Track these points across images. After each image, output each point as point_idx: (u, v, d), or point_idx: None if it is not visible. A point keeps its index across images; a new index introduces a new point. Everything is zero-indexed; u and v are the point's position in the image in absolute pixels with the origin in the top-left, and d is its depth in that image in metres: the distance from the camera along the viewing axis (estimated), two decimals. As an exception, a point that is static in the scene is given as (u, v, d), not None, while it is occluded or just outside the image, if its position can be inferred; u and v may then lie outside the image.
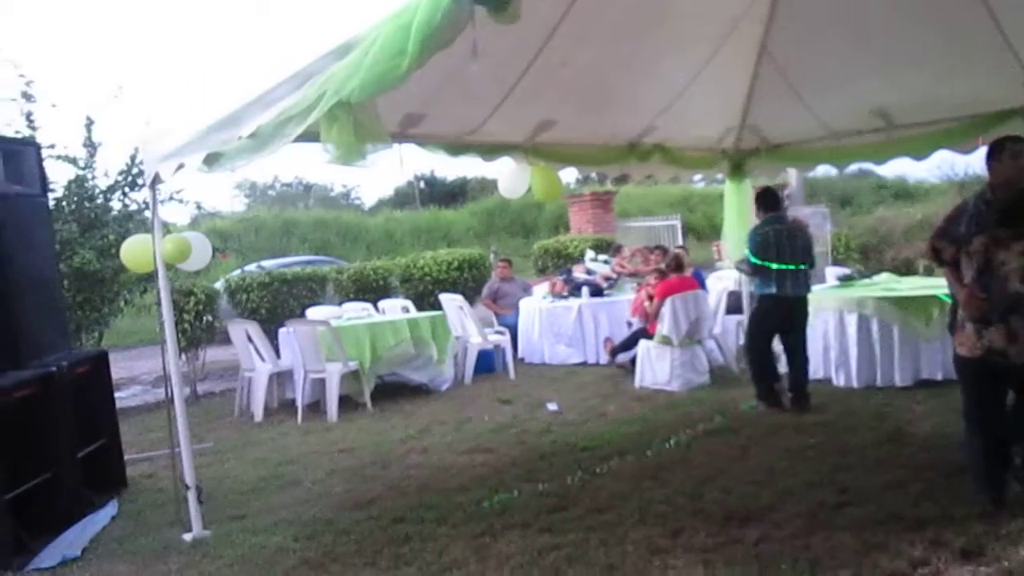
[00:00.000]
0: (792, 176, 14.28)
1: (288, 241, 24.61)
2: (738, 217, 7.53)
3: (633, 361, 8.31)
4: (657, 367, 7.86)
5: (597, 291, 10.11)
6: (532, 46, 4.86)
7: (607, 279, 10.59)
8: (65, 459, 5.05)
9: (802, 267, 6.57)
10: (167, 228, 6.00)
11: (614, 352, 9.23)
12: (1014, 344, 3.87)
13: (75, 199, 9.03)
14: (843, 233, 15.76)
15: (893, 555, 3.63)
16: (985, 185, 4.33)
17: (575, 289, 10.16)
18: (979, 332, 3.98)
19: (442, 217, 29.46)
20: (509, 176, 6.13)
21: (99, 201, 9.20)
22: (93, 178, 9.20)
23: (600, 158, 6.65)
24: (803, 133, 6.95)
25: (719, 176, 8.08)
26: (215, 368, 11.07)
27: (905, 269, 13.60)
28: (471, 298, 11.12)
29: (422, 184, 36.13)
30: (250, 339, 8.18)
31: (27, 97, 8.60)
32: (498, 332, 9.63)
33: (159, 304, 4.89)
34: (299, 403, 7.83)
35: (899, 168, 35.95)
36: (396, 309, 9.98)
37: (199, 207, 10.62)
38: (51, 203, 7.38)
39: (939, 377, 6.93)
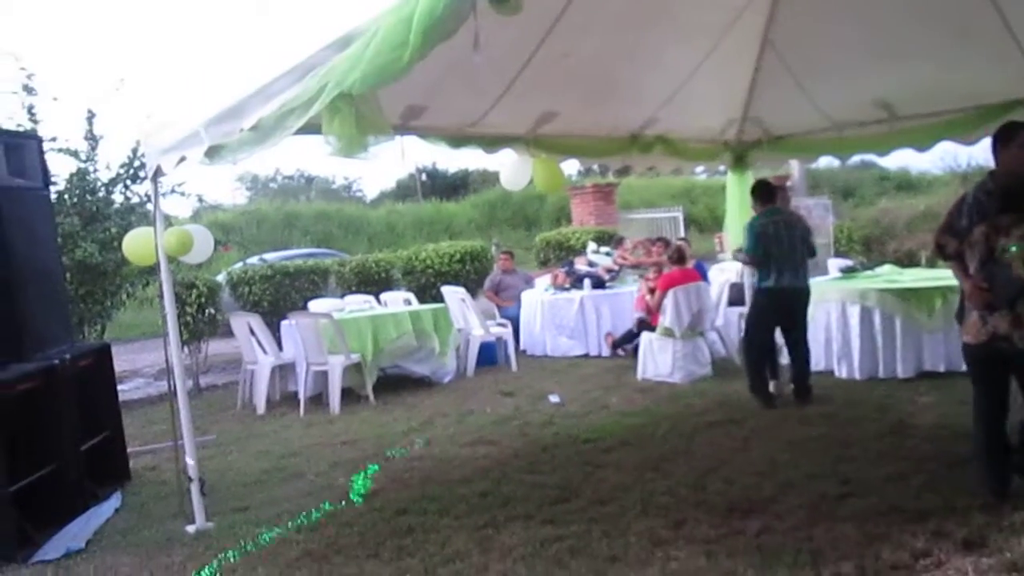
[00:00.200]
0: (794, 168, 14.27)
1: (290, 234, 24.60)
2: (740, 209, 7.51)
3: (636, 350, 8.32)
4: (659, 359, 7.87)
5: (599, 283, 10.11)
6: (534, 37, 4.85)
7: (609, 271, 10.58)
8: (68, 452, 5.06)
9: (800, 258, 6.55)
10: (169, 221, 6.00)
11: (615, 345, 9.27)
12: (1018, 329, 3.87)
13: (77, 192, 9.02)
14: (845, 225, 15.76)
15: (895, 546, 3.63)
16: (986, 175, 4.33)
17: (577, 281, 10.15)
18: (983, 318, 3.98)
19: (444, 209, 29.44)
20: (511, 168, 6.13)
21: (101, 194, 9.18)
22: (95, 171, 9.19)
23: (602, 150, 6.64)
24: (805, 124, 6.93)
25: (721, 168, 8.07)
26: (217, 361, 11.08)
27: (907, 261, 13.60)
28: (473, 290, 11.11)
29: (424, 176, 36.09)
30: (252, 332, 8.19)
31: (28, 90, 8.59)
32: (500, 324, 9.63)
33: (161, 297, 4.90)
34: (301, 396, 7.83)
35: (902, 159, 36.07)
36: (398, 301, 9.98)
37: (201, 200, 10.70)
38: (53, 196, 7.37)
39: (941, 369, 6.94)
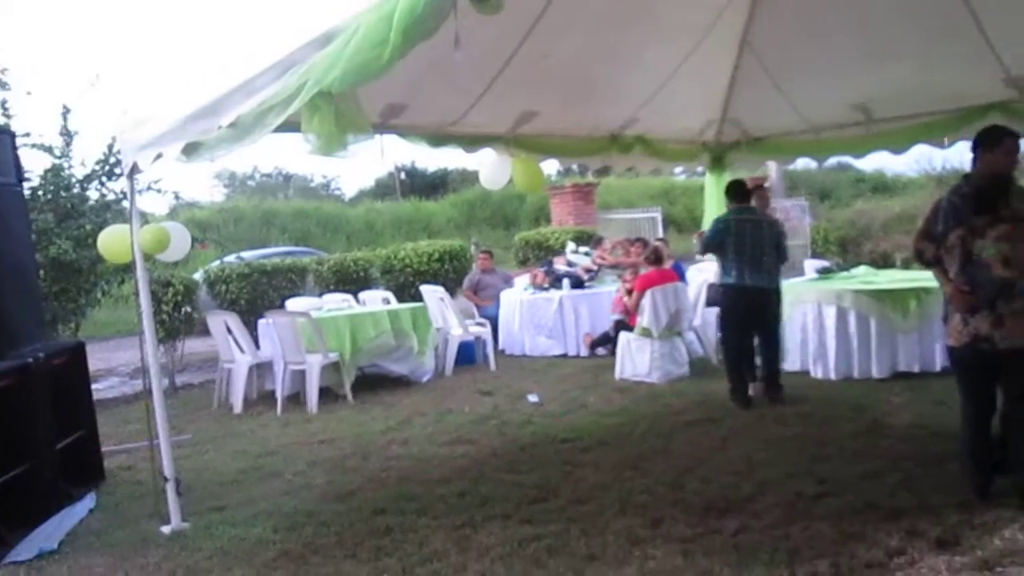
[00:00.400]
0: (772, 169, 14.34)
1: (268, 232, 24.46)
2: (718, 209, 7.52)
3: (615, 349, 8.35)
4: (637, 359, 7.89)
5: (578, 283, 10.13)
6: (515, 36, 4.85)
7: (588, 271, 10.60)
8: (42, 451, 4.99)
9: (766, 259, 6.57)
10: (145, 218, 5.95)
11: (594, 345, 9.30)
12: (999, 328, 3.91)
13: (51, 188, 8.91)
14: (822, 226, 15.89)
15: (870, 545, 3.67)
16: (960, 179, 4.37)
17: (556, 281, 10.16)
18: (965, 320, 4.02)
19: (423, 208, 29.40)
20: (491, 167, 6.13)
21: (76, 191, 9.07)
22: (70, 167, 9.08)
23: (582, 150, 6.66)
24: (783, 126, 6.99)
25: (700, 169, 8.12)
26: (194, 359, 10.99)
27: (883, 262, 13.75)
28: (452, 290, 11.09)
29: (403, 175, 35.92)
30: (229, 330, 8.13)
31: (1, 85, 8.49)
32: (479, 324, 9.63)
33: (137, 295, 4.85)
34: (279, 395, 7.78)
35: (878, 162, 36.32)
36: (377, 300, 9.95)
37: (178, 197, 10.53)
38: (27, 192, 7.28)
39: (916, 369, 7.02)
